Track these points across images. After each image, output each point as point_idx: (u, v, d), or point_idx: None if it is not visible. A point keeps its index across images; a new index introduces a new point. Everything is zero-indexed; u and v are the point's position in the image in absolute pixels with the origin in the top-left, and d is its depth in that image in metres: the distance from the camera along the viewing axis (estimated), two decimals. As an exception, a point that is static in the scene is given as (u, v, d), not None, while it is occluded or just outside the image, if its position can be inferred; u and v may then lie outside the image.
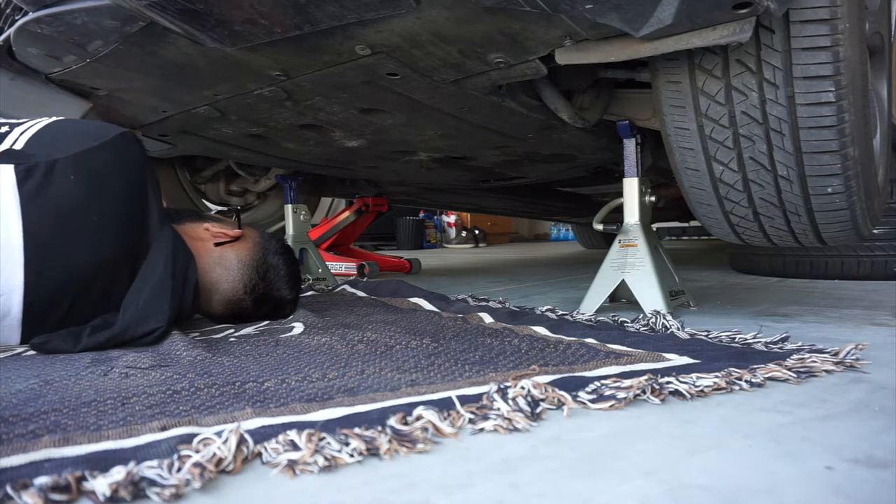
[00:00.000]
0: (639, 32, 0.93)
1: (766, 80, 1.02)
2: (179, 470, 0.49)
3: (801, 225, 1.20)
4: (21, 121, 1.08)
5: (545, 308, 1.35)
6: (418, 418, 0.60)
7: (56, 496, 0.45)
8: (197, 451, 0.51)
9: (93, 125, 1.14)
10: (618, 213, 1.47)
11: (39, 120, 1.08)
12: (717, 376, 0.74)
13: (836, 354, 0.84)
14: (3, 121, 1.06)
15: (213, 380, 0.76)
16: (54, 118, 1.08)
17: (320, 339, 1.01)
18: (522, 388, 0.67)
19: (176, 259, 1.08)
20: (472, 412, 0.62)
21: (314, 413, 0.62)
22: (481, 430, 0.60)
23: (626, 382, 0.70)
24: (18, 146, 1.01)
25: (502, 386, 0.67)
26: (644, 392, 0.69)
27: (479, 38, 1.05)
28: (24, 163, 0.98)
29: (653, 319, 1.15)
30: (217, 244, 1.22)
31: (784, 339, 0.96)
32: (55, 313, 1.01)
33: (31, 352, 1.00)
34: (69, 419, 0.61)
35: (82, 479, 0.47)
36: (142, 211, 1.08)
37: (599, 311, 1.37)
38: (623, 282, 1.37)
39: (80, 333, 1.00)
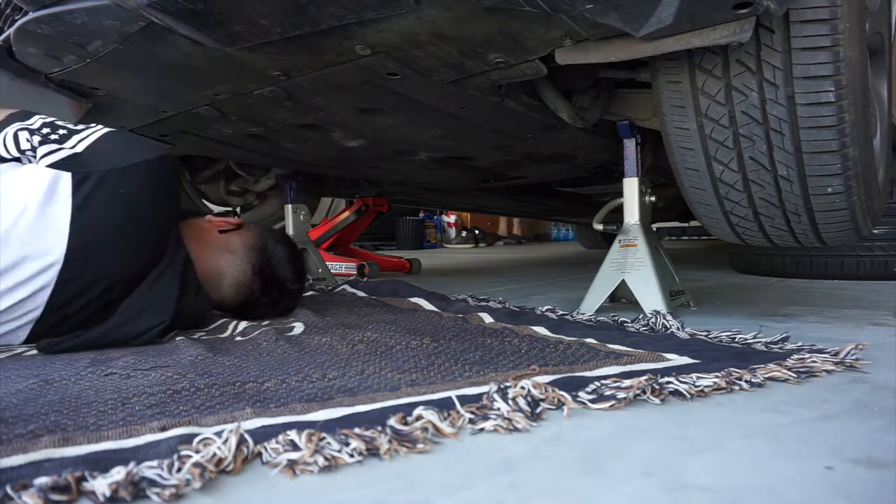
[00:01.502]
0: (639, 32, 0.93)
1: (766, 80, 1.02)
2: (179, 470, 0.49)
3: (801, 225, 1.20)
4: (78, 128, 1.11)
5: (545, 308, 1.35)
6: (418, 418, 0.60)
7: (56, 496, 0.45)
8: (197, 451, 0.51)
9: (142, 141, 1.22)
10: (618, 213, 1.47)
11: (96, 129, 1.12)
12: (717, 376, 0.74)
13: (836, 354, 0.84)
14: (60, 124, 1.11)
15: (214, 380, 0.76)
16: (108, 129, 1.13)
17: (320, 339, 1.01)
18: (522, 388, 0.67)
19: (184, 270, 1.12)
20: (472, 412, 0.62)
21: (314, 413, 0.62)
22: (481, 430, 0.60)
23: (627, 382, 0.70)
24: (79, 149, 1.06)
25: (502, 386, 0.67)
26: (644, 392, 0.69)
27: (479, 38, 1.05)
28: (81, 171, 1.03)
29: (653, 319, 1.15)
30: (221, 231, 1.27)
31: (784, 339, 0.96)
32: (67, 321, 1.03)
33: (32, 352, 1.00)
34: (69, 419, 0.61)
35: (82, 479, 0.47)
36: (168, 229, 1.14)
37: (599, 311, 1.37)
38: (623, 282, 1.37)
39: (84, 332, 1.02)
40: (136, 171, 1.07)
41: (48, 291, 1.00)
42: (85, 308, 1.04)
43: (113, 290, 1.05)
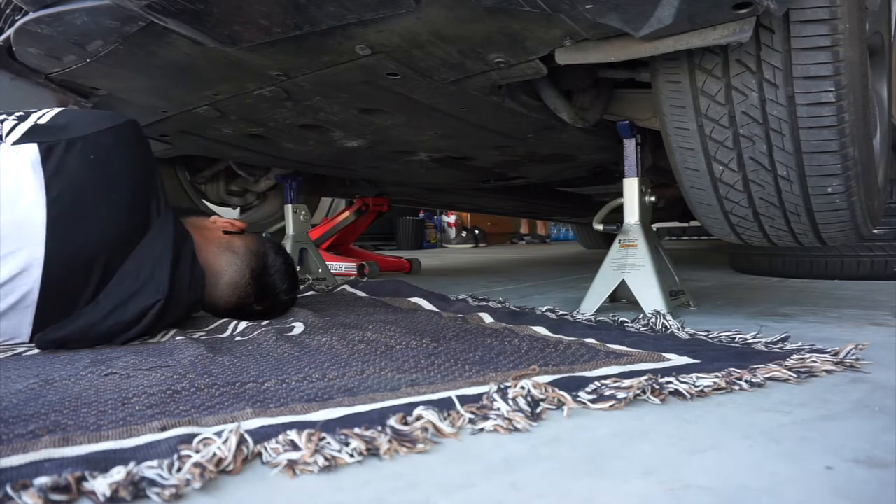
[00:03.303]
0: (639, 32, 0.93)
1: (766, 80, 1.02)
2: (179, 470, 0.49)
3: (801, 225, 1.20)
4: (35, 109, 1.14)
5: (545, 308, 1.35)
6: (418, 418, 0.60)
7: (56, 496, 0.45)
8: (197, 451, 0.51)
9: (105, 112, 1.23)
10: (618, 213, 1.47)
11: (54, 108, 1.15)
12: (717, 376, 0.74)
13: (836, 354, 0.84)
14: (17, 111, 1.13)
15: (214, 380, 0.76)
16: (67, 108, 1.16)
17: (320, 339, 1.01)
18: (522, 388, 0.67)
19: (176, 238, 1.13)
20: (472, 412, 0.62)
21: (314, 413, 0.62)
22: (481, 430, 0.60)
23: (627, 382, 0.70)
24: (42, 121, 1.09)
25: (502, 386, 0.67)
26: (644, 392, 0.69)
27: (480, 38, 1.05)
28: (47, 140, 1.04)
29: (653, 319, 1.15)
30: (225, 232, 1.29)
31: (784, 339, 0.96)
32: (65, 295, 1.03)
33: (32, 352, 1.00)
34: (69, 419, 0.61)
35: (82, 479, 0.47)
36: (148, 193, 1.14)
37: (599, 311, 1.37)
38: (623, 282, 1.37)
39: (76, 317, 1.03)
40: (103, 136, 1.08)
41: (39, 268, 0.99)
42: (83, 289, 1.04)
43: (102, 260, 1.05)
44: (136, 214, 1.11)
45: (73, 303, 1.04)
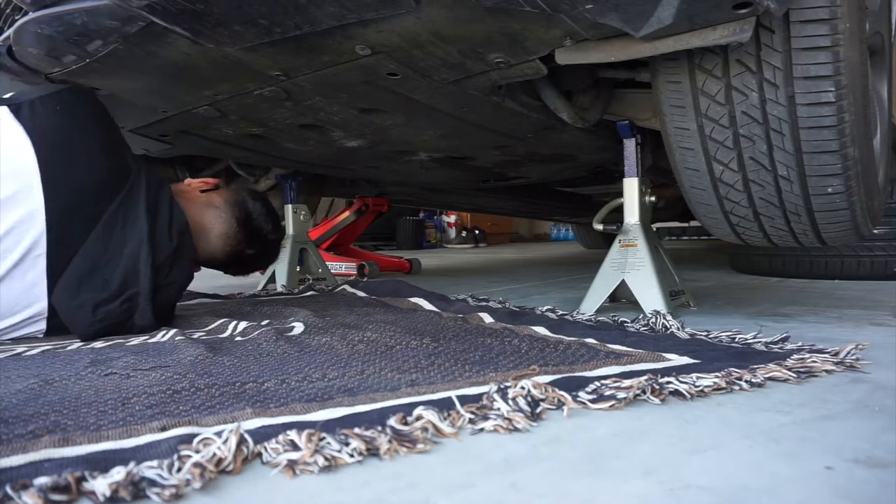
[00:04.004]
0: (639, 32, 0.93)
1: (766, 80, 1.02)
2: (179, 470, 0.49)
3: (801, 225, 1.20)
4: None
5: (545, 308, 1.35)
6: (418, 418, 0.60)
7: (56, 496, 0.45)
8: (197, 452, 0.51)
9: (56, 85, 1.32)
10: (618, 213, 1.47)
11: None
12: (717, 376, 0.74)
13: (836, 354, 0.84)
14: None
15: (214, 380, 0.76)
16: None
17: (320, 339, 1.01)
18: (522, 388, 0.67)
19: (149, 191, 1.20)
20: (472, 412, 0.62)
21: (314, 413, 0.62)
22: (481, 430, 0.60)
23: (627, 382, 0.70)
24: (6, 96, 1.18)
25: (502, 386, 0.67)
26: (644, 392, 0.69)
27: (480, 38, 1.05)
28: (12, 103, 1.13)
29: (653, 319, 1.15)
30: (202, 191, 1.40)
31: (784, 339, 0.96)
32: (67, 240, 1.09)
33: (32, 352, 1.00)
34: (69, 419, 0.61)
35: (82, 479, 0.47)
36: (117, 138, 1.24)
37: (599, 311, 1.37)
38: (623, 282, 1.37)
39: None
40: (62, 93, 1.18)
41: (41, 213, 1.06)
42: (83, 234, 1.10)
43: (93, 201, 1.11)
44: (113, 157, 1.18)
45: (76, 249, 1.10)
